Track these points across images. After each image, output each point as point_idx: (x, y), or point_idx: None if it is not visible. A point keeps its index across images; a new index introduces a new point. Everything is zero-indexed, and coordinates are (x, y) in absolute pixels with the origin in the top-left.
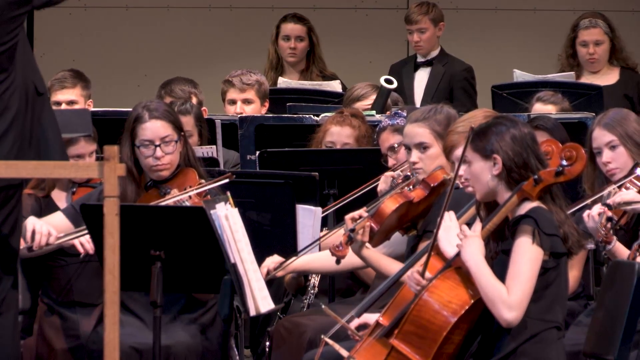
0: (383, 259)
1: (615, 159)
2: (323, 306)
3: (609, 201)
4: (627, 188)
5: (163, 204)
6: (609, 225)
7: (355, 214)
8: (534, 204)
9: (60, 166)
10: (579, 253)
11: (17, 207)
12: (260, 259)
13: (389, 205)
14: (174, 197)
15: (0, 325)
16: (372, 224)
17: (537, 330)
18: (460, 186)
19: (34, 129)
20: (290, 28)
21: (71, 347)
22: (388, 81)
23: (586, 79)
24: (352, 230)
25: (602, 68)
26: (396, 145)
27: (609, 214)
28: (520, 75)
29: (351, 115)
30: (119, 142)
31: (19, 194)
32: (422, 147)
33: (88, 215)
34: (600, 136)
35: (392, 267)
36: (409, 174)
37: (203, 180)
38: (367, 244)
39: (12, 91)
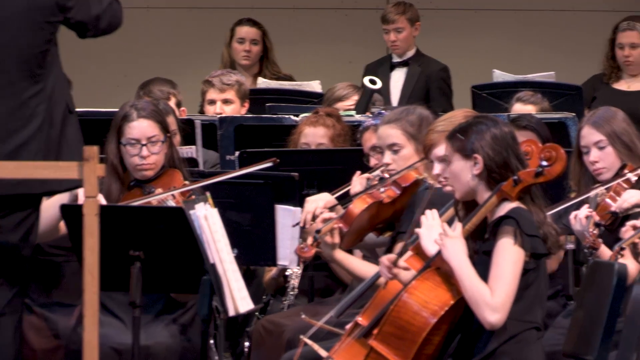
0: (354, 262)
1: (602, 158)
2: (302, 315)
3: (614, 208)
4: (615, 191)
5: (143, 202)
6: (596, 231)
7: (326, 215)
8: (514, 204)
9: (40, 166)
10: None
11: (32, 216)
12: (239, 259)
13: (358, 205)
14: (158, 195)
15: (2, 325)
16: (341, 225)
17: (517, 330)
18: (438, 185)
19: (62, 146)
20: (246, 31)
21: (51, 347)
22: (372, 81)
23: (626, 83)
24: (318, 232)
25: (639, 72)
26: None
27: (597, 218)
28: (500, 76)
29: (326, 115)
30: (104, 141)
31: (36, 204)
32: (394, 148)
33: (68, 215)
34: (589, 135)
35: (365, 269)
36: (386, 175)
37: (187, 182)
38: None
39: (40, 100)
